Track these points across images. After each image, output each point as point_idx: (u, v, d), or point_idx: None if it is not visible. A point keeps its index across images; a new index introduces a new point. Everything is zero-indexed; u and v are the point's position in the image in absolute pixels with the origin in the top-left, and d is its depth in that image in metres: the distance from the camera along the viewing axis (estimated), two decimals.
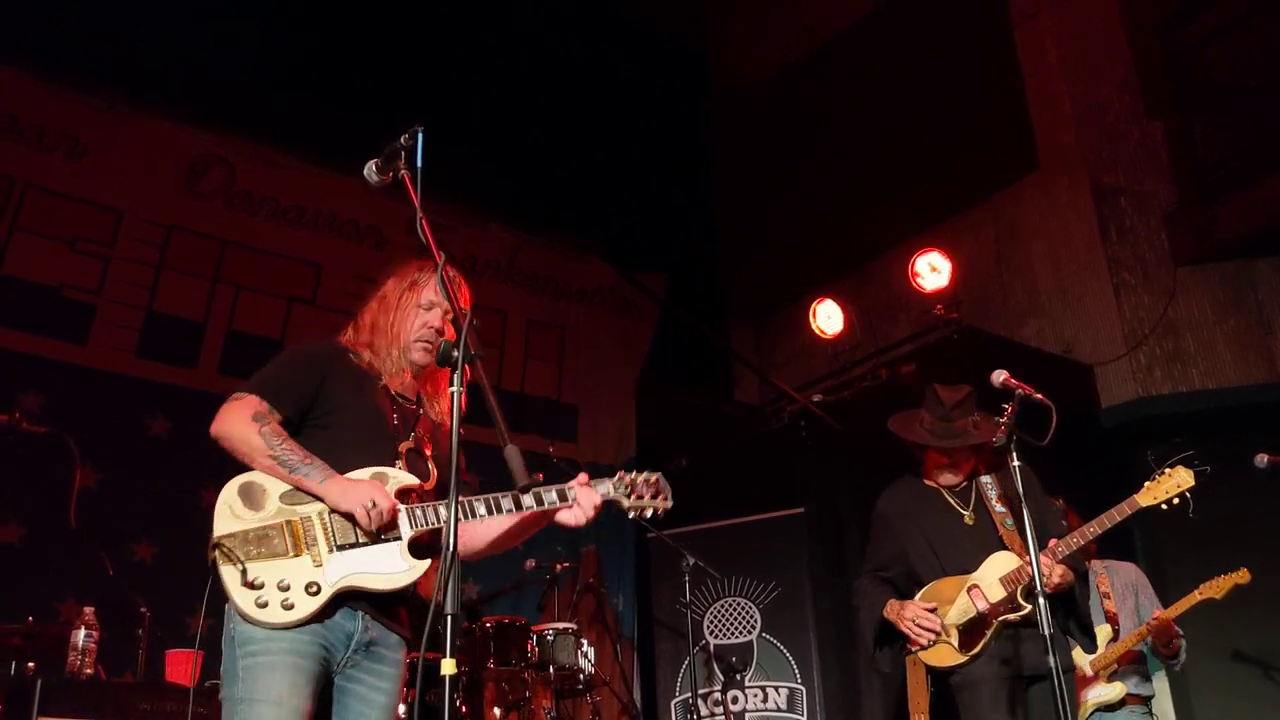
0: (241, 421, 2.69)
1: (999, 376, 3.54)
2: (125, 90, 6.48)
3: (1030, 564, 3.67)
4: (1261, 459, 4.59)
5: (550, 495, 2.80)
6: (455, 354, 2.26)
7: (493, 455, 2.70)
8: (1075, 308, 7.40)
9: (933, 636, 3.87)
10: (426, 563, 2.71)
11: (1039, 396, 3.43)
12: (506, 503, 2.75)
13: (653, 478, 2.92)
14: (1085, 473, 5.98)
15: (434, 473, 2.90)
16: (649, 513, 2.89)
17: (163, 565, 5.91)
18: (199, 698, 4.10)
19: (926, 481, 4.18)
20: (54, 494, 5.17)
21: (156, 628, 4.79)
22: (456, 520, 2.25)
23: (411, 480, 2.78)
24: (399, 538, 2.69)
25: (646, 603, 7.76)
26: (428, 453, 2.91)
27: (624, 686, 6.97)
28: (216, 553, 2.59)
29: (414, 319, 2.94)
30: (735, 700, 6.89)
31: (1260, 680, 6.18)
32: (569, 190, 8.52)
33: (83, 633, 4.28)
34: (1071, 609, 3.88)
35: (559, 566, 6.25)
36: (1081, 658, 4.72)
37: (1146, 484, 3.81)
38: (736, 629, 7.07)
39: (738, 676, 6.85)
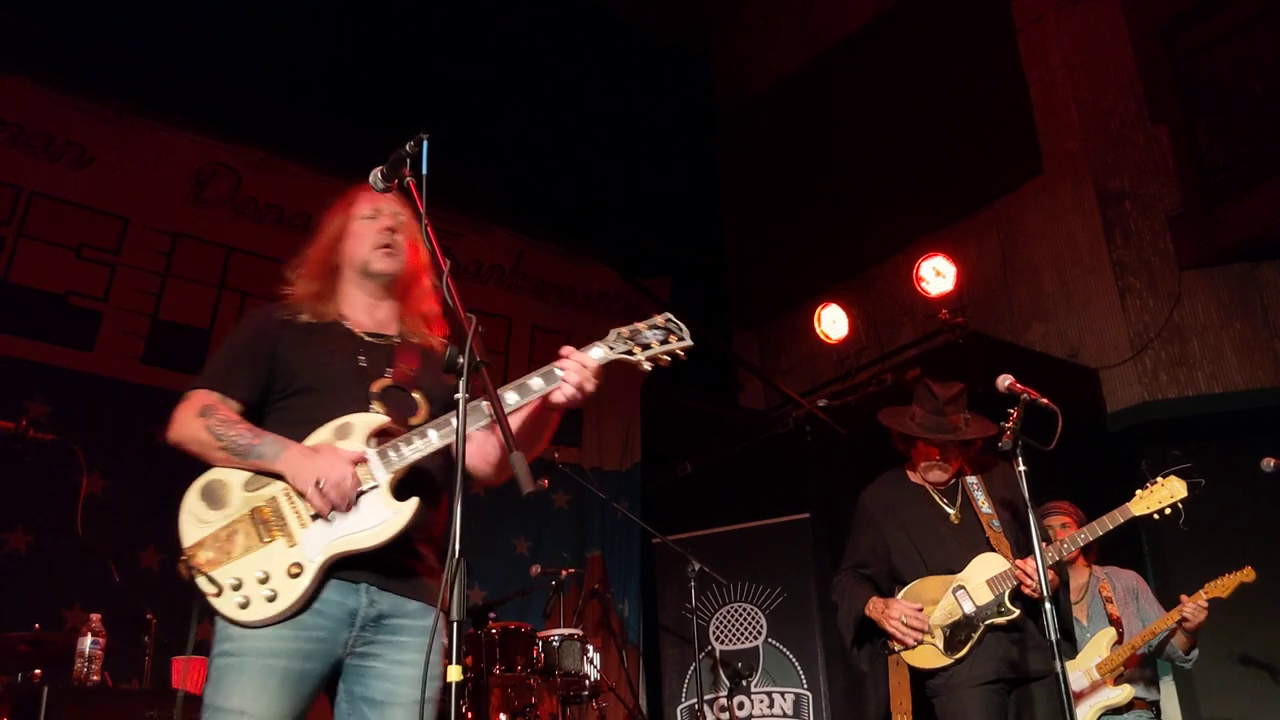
0: (188, 421, 2.53)
1: (1004, 381, 3.54)
2: (131, 98, 6.51)
3: (1020, 567, 3.72)
4: (1268, 463, 4.59)
5: (536, 381, 2.49)
6: (461, 361, 2.23)
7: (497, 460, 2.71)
8: (1080, 312, 7.39)
9: (920, 637, 3.83)
10: (414, 503, 2.42)
11: (1044, 401, 3.43)
12: (485, 407, 2.44)
13: (660, 319, 2.56)
14: (1091, 477, 5.98)
15: (422, 405, 2.63)
16: (667, 358, 2.53)
17: (169, 572, 5.85)
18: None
19: (912, 478, 4.15)
20: (61, 501, 5.19)
21: (163, 634, 4.79)
22: (458, 514, 2.11)
23: (381, 420, 2.52)
24: (376, 485, 2.44)
25: (652, 608, 7.76)
26: (412, 386, 2.64)
27: (630, 692, 6.96)
28: (184, 567, 2.43)
29: (364, 231, 2.71)
30: (741, 706, 6.89)
31: (1268, 683, 6.16)
32: (573, 196, 8.55)
33: (89, 640, 4.29)
34: (1056, 614, 3.89)
35: (564, 572, 6.25)
36: (1071, 670, 4.72)
37: (1139, 492, 3.84)
38: (742, 634, 7.07)
39: (744, 682, 6.84)
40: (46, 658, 4.31)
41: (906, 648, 3.88)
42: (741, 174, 9.98)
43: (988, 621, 3.78)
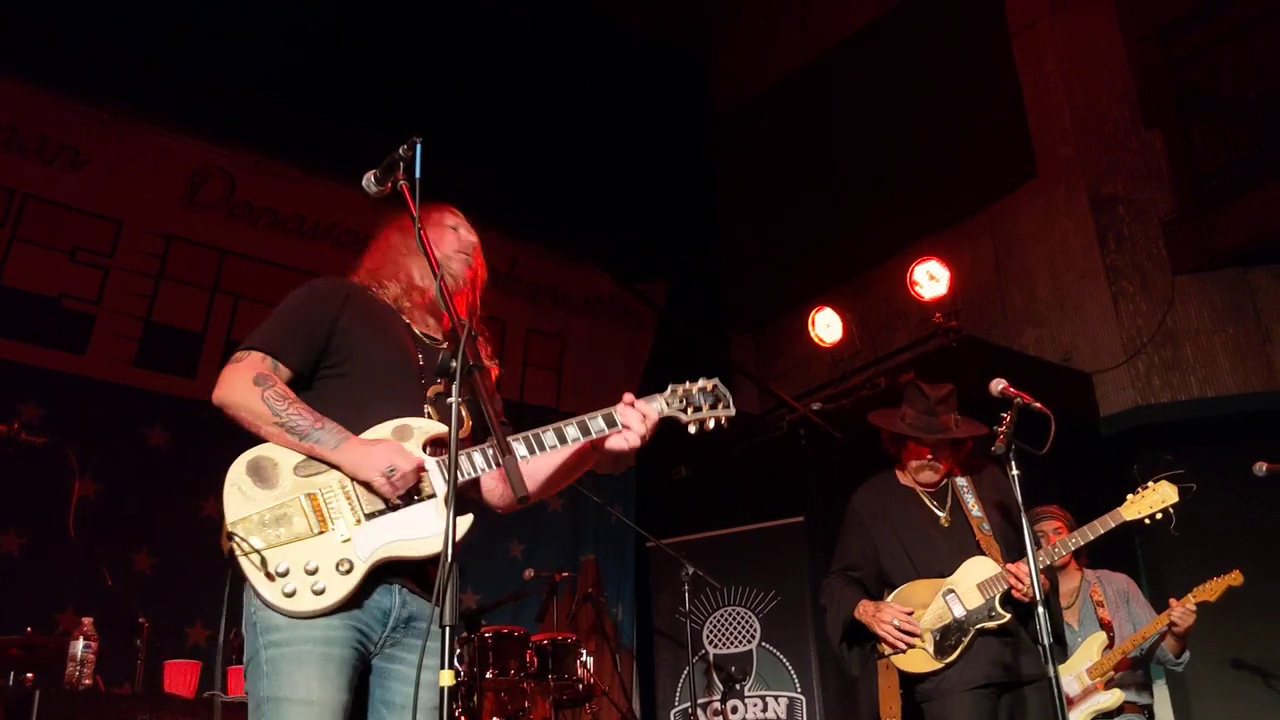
0: (243, 386, 2.45)
1: (998, 385, 3.52)
2: (125, 101, 6.50)
3: (1010, 571, 3.72)
4: (1260, 467, 4.60)
5: (597, 422, 2.56)
6: (454, 365, 2.22)
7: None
8: (1074, 316, 7.40)
9: (911, 641, 3.81)
10: (469, 519, 2.40)
11: (1038, 405, 3.40)
12: (549, 438, 2.53)
13: (709, 384, 2.66)
14: (1084, 481, 5.99)
15: (468, 419, 2.63)
16: (711, 424, 2.63)
17: (162, 576, 5.91)
18: (198, 709, 4.09)
19: (902, 480, 4.14)
20: (53, 504, 5.17)
21: (155, 638, 4.78)
22: (452, 518, 2.12)
23: (440, 429, 2.52)
24: (433, 495, 2.45)
25: (646, 612, 7.75)
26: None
27: (623, 696, 6.96)
28: (231, 543, 2.33)
29: (447, 236, 2.79)
30: (735, 710, 6.88)
31: (1260, 687, 6.17)
32: (570, 199, 8.53)
33: (81, 643, 4.27)
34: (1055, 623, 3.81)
35: (558, 576, 6.24)
36: (1063, 674, 4.72)
37: (1130, 497, 3.84)
38: (736, 638, 7.06)
39: (737, 686, 6.83)
40: (38, 661, 4.30)
41: (897, 651, 3.86)
42: (738, 176, 9.99)
43: (978, 625, 3.77)
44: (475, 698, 5.12)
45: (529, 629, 5.78)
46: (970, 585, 3.81)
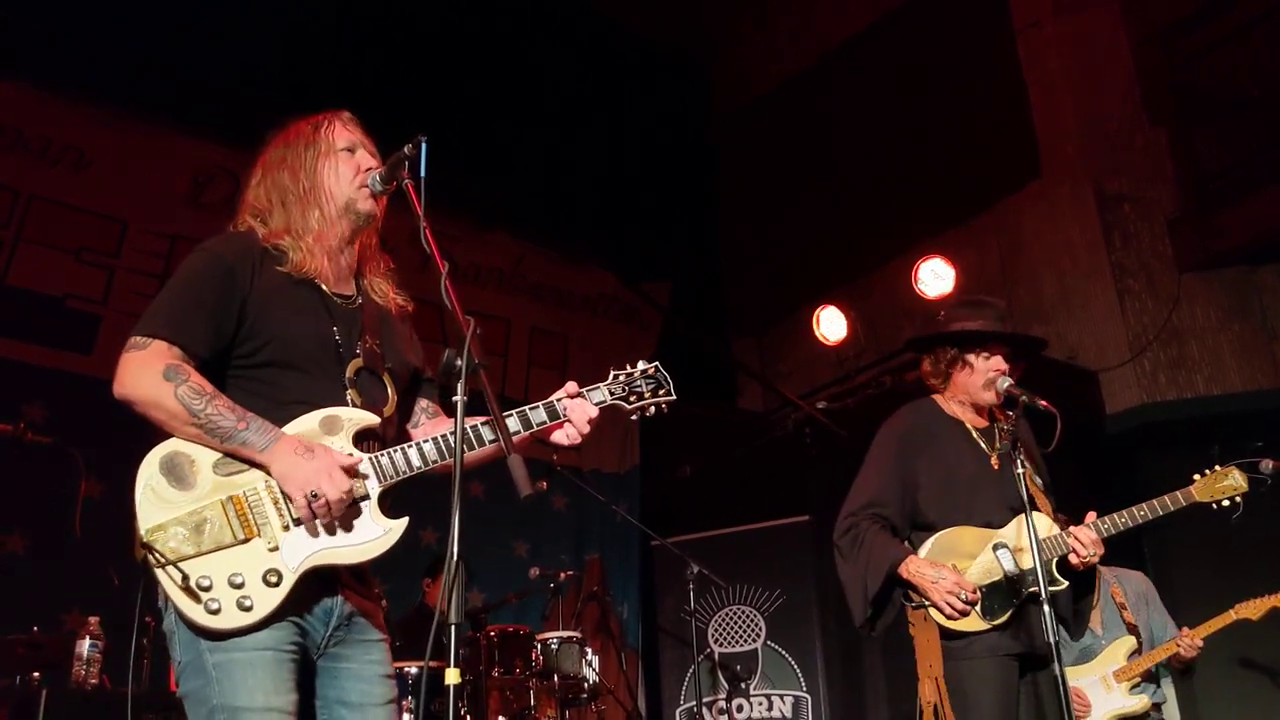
0: (151, 381, 2.21)
1: (1003, 383, 3.50)
2: (130, 102, 6.51)
3: (1073, 534, 3.41)
4: (1267, 465, 4.57)
5: (539, 414, 2.47)
6: (459, 364, 2.19)
7: (497, 463, 2.70)
8: (1079, 315, 7.39)
9: (968, 613, 3.33)
10: (404, 522, 2.30)
11: (1043, 404, 3.33)
12: (487, 432, 2.41)
13: (650, 368, 2.57)
14: (1090, 479, 5.98)
15: (391, 393, 2.48)
16: (652, 410, 2.55)
17: None
18: None
19: (947, 410, 3.68)
20: (58, 504, 5.17)
21: (161, 638, 4.77)
22: (456, 518, 2.00)
23: (369, 419, 2.36)
24: (367, 496, 2.30)
25: (651, 611, 7.76)
26: (381, 368, 2.48)
27: (628, 695, 6.96)
28: (146, 553, 2.17)
29: (344, 165, 2.53)
30: (740, 709, 6.89)
31: (1269, 688, 6.15)
32: (573, 199, 8.54)
33: (87, 643, 4.29)
34: (1082, 594, 3.55)
35: (563, 575, 6.25)
36: (1083, 674, 4.69)
37: (1198, 478, 3.61)
38: (741, 637, 7.06)
39: (743, 685, 6.84)
40: (45, 661, 4.30)
41: (950, 618, 3.38)
42: (741, 177, 9.99)
43: (1032, 589, 3.31)
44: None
45: (534, 628, 5.78)
46: (1025, 543, 3.34)
